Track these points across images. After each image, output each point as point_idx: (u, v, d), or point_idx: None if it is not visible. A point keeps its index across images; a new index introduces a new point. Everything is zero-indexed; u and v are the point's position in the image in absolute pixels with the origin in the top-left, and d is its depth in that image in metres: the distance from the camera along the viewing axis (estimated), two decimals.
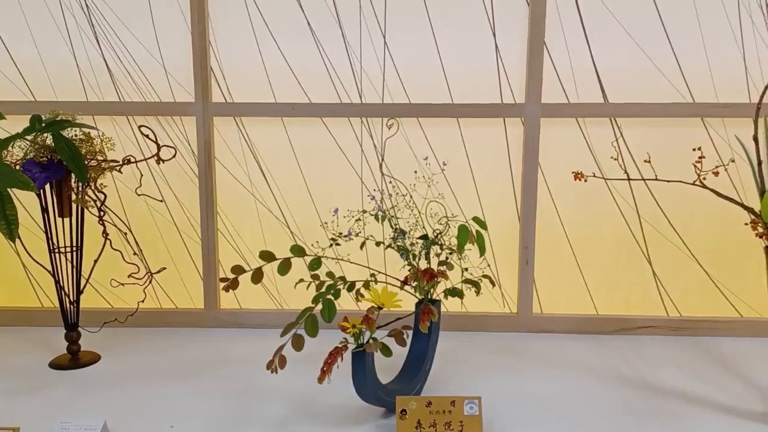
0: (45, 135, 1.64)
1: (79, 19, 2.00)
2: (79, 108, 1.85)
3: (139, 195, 1.90)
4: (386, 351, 1.34)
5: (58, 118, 1.64)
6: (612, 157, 1.77)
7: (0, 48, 2.02)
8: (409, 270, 1.56)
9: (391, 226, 1.57)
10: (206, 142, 2.01)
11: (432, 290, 1.56)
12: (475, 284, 1.56)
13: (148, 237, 2.05)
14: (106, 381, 1.72)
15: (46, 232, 1.76)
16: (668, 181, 1.61)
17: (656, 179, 1.62)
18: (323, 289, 1.41)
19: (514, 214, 2.04)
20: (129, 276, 1.86)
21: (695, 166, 1.51)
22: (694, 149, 1.55)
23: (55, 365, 1.80)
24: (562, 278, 2.06)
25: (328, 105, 2.00)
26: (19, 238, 1.73)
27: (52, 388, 1.67)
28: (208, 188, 2.04)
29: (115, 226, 1.84)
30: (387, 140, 1.97)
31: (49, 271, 1.79)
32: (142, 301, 1.90)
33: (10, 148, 1.64)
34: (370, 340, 1.36)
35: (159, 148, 1.83)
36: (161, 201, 2.05)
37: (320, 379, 1.31)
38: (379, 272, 1.57)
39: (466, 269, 1.54)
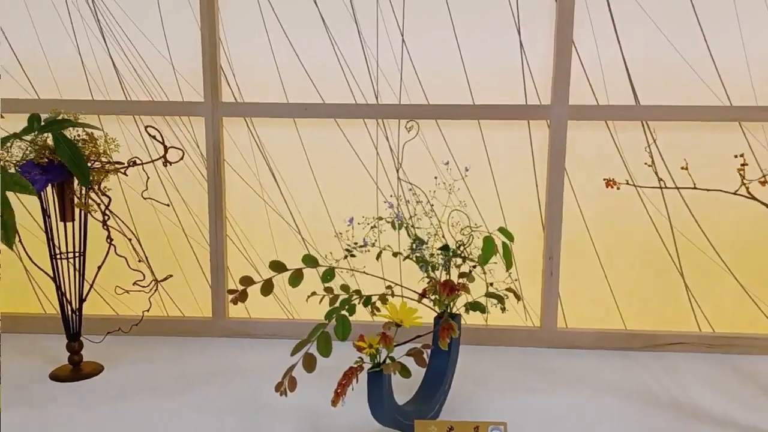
0: (45, 135, 1.56)
1: (85, 14, 1.91)
2: (83, 107, 1.77)
3: (145, 198, 1.82)
4: (405, 372, 1.24)
5: (59, 117, 1.56)
6: (646, 164, 1.66)
7: (2, 43, 1.94)
8: (428, 282, 1.46)
9: (409, 235, 1.48)
10: (215, 144, 1.93)
11: (452, 304, 1.46)
12: (500, 299, 1.46)
13: (155, 242, 1.97)
14: (109, 394, 1.64)
15: (47, 237, 1.68)
16: (708, 191, 1.50)
17: (695, 188, 1.51)
18: (337, 304, 1.32)
19: (538, 223, 1.93)
20: (134, 284, 1.78)
21: (740, 174, 1.40)
22: (736, 156, 1.44)
23: (56, 377, 1.72)
24: (588, 291, 1.95)
25: (342, 105, 1.91)
26: (21, 242, 1.66)
27: (51, 402, 1.59)
28: (216, 192, 1.95)
29: (120, 231, 1.76)
30: (405, 144, 1.87)
31: (51, 277, 1.71)
32: (147, 311, 1.82)
33: (8, 149, 1.56)
34: (388, 360, 1.26)
35: (166, 149, 1.75)
36: (168, 205, 1.97)
37: (334, 402, 1.22)
38: (396, 284, 1.47)
39: (491, 284, 1.43)
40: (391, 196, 1.92)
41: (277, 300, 2.02)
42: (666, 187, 1.60)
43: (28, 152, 1.57)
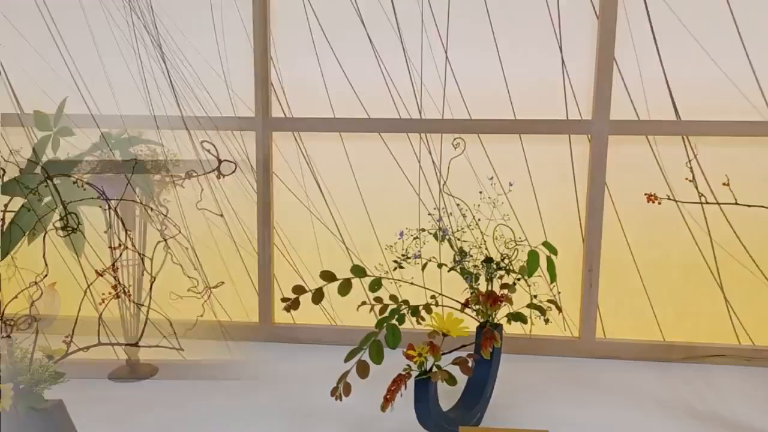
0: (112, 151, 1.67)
1: (143, 34, 2.02)
2: (142, 122, 1.88)
3: (199, 209, 1.91)
4: (451, 381, 1.30)
5: (124, 136, 1.66)
6: (687, 179, 1.69)
7: (67, 61, 2.06)
8: (471, 293, 1.51)
9: (452, 247, 1.53)
10: (265, 157, 2.01)
11: (494, 314, 1.51)
12: (541, 310, 1.50)
13: (206, 250, 2.06)
14: (163, 394, 1.73)
15: (110, 246, 1.78)
16: (749, 206, 1.52)
17: (736, 203, 1.53)
18: (387, 314, 1.38)
19: (578, 235, 1.96)
20: (188, 290, 1.87)
21: None
22: None
23: (114, 377, 1.82)
24: (627, 302, 1.98)
25: (387, 120, 1.98)
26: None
27: (109, 401, 1.69)
28: (265, 203, 2.04)
29: (177, 240, 1.85)
30: (451, 160, 1.92)
31: (111, 284, 1.81)
32: (201, 316, 1.91)
33: (79, 164, 1.67)
34: (434, 368, 1.32)
35: (220, 162, 1.83)
36: (220, 215, 2.06)
37: (383, 408, 1.28)
38: (438, 294, 1.53)
39: (535, 296, 1.48)
40: (434, 208, 1.98)
41: (321, 307, 2.09)
42: (707, 203, 1.62)
43: (95, 167, 1.67)
